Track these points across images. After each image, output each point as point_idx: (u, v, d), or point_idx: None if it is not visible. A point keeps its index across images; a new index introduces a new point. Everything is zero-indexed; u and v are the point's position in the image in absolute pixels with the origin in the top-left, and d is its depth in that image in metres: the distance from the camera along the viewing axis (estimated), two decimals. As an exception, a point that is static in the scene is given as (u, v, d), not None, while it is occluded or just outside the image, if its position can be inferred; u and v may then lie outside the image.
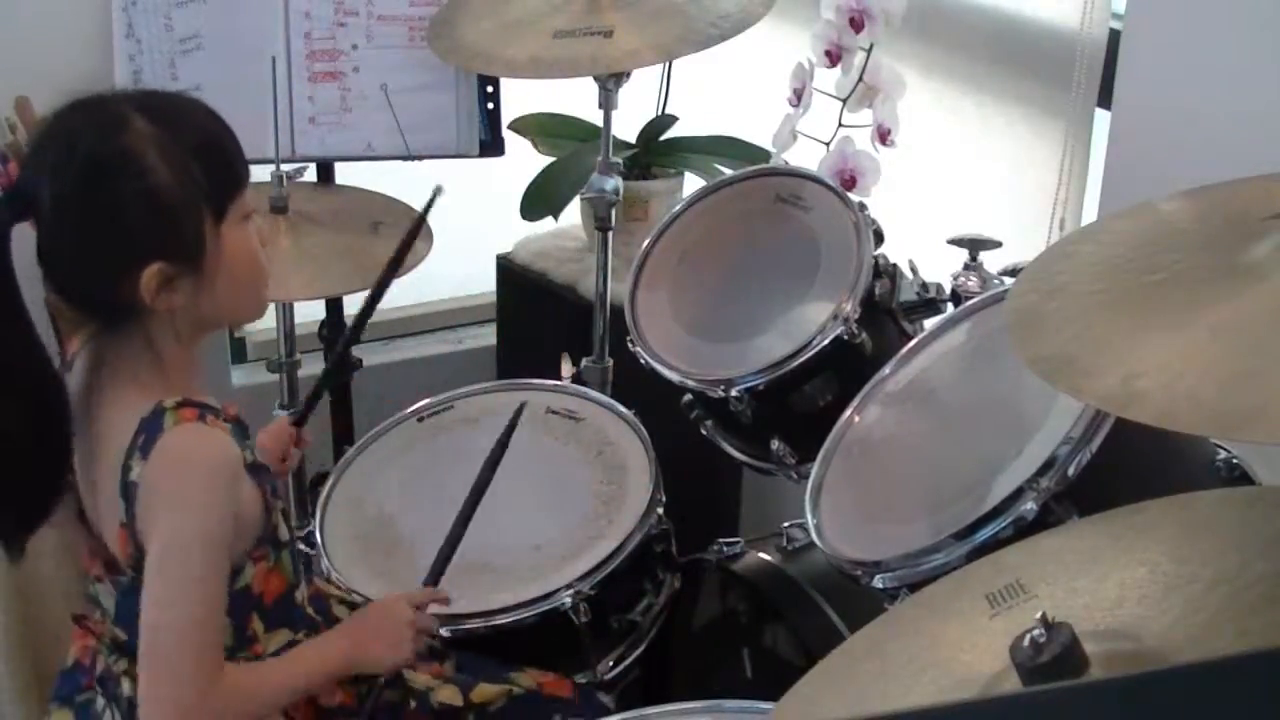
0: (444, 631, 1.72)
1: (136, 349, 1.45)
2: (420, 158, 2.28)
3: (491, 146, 2.32)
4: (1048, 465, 1.42)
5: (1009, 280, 1.83)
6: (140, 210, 1.40)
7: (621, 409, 2.04)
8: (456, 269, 2.90)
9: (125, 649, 1.52)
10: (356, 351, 2.51)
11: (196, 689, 1.39)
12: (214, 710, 1.41)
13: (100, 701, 1.55)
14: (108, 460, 1.43)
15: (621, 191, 2.24)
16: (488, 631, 1.74)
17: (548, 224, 2.64)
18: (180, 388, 1.45)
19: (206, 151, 1.44)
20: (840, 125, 2.20)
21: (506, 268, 2.79)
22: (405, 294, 2.55)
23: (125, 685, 1.51)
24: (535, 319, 2.75)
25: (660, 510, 1.89)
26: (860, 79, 2.16)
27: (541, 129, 2.64)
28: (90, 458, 1.46)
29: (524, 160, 2.57)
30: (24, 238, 1.42)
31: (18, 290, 1.40)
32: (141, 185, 1.38)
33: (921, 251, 1.98)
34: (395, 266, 1.84)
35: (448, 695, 1.64)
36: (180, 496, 1.41)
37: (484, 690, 1.66)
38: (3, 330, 1.40)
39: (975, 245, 1.89)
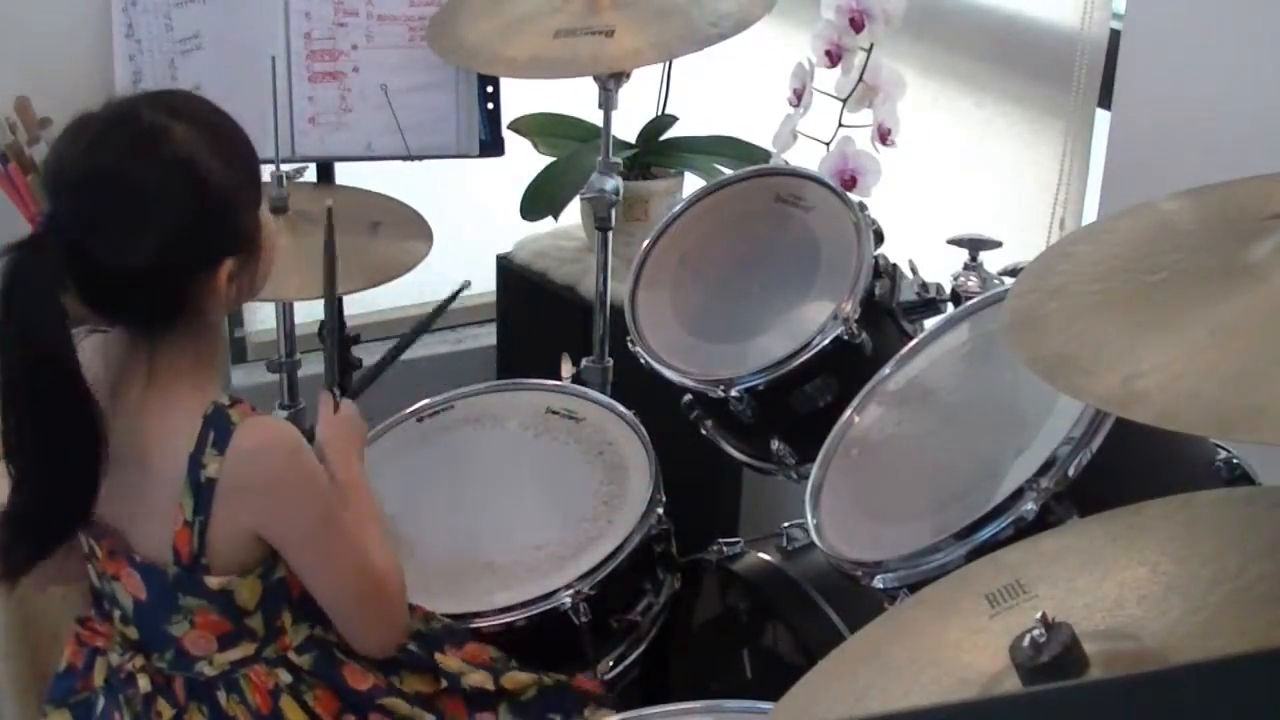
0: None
1: (183, 347, 1.46)
2: (420, 158, 2.28)
3: (491, 146, 2.32)
4: (1048, 465, 1.42)
5: (1009, 280, 1.83)
6: (209, 212, 1.41)
7: (621, 409, 2.04)
8: (456, 269, 2.89)
9: (139, 646, 1.52)
10: (356, 351, 2.51)
11: (403, 602, 1.57)
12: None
13: (101, 702, 1.54)
14: (164, 461, 1.43)
15: (621, 191, 2.23)
16: (488, 631, 1.74)
17: (548, 224, 2.64)
18: (217, 379, 1.49)
19: (240, 142, 1.46)
20: (840, 125, 2.20)
21: (506, 268, 2.78)
22: (405, 294, 2.55)
23: (142, 682, 1.50)
24: (535, 319, 2.75)
25: (660, 510, 1.89)
26: (860, 79, 2.16)
27: (541, 129, 2.64)
28: (129, 461, 1.44)
29: (524, 160, 2.57)
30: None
31: (75, 353, 1.39)
32: (205, 189, 1.40)
33: (921, 251, 1.98)
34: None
35: (479, 680, 1.63)
36: (290, 481, 1.46)
37: (515, 678, 1.66)
38: (63, 395, 1.39)
39: (975, 245, 1.89)
